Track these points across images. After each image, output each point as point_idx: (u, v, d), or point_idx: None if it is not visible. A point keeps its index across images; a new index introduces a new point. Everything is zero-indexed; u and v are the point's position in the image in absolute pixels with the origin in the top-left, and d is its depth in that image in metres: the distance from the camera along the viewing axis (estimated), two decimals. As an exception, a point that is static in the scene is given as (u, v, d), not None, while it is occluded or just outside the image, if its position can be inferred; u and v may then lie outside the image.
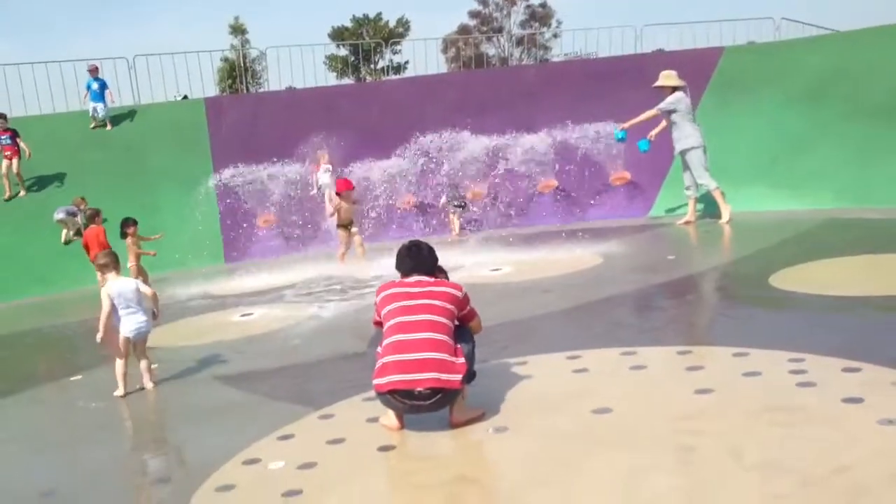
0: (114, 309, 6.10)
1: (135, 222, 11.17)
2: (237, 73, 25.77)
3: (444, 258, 10.25)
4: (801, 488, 3.17)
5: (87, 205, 14.43)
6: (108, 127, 17.09)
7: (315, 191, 15.11)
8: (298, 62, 45.83)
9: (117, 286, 6.10)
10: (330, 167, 15.09)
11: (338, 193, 11.51)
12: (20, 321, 10.73)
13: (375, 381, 4.38)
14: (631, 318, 6.75)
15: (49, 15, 74.02)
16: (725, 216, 11.46)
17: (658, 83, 11.88)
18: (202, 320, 9.09)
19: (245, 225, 14.91)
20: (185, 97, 20.03)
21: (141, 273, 11.12)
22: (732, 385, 4.52)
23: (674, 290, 7.75)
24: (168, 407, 5.79)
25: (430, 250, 4.78)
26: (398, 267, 4.76)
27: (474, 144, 14.92)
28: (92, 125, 17.03)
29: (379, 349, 4.47)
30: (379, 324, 4.64)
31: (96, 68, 17.43)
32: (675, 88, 11.75)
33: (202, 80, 40.69)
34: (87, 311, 8.88)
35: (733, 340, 5.39)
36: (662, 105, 11.72)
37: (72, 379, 6.86)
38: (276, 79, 26.11)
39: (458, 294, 4.57)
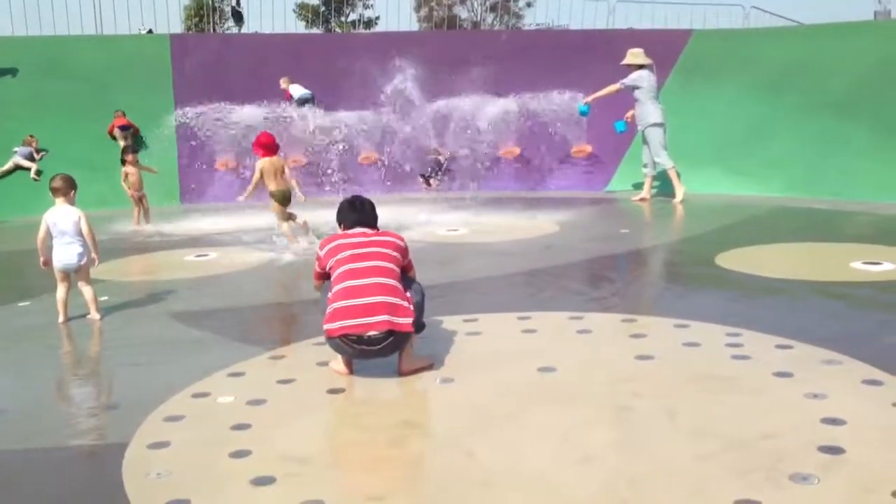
0: (49, 236, 6.06)
1: (134, 150, 11.10)
2: (204, 12, 25.25)
3: (404, 215, 10.43)
4: (727, 450, 3.35)
5: (38, 143, 14.21)
6: None
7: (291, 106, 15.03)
8: (268, 7, 44.77)
9: (54, 214, 6.05)
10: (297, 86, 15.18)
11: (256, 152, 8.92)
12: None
13: (326, 326, 4.44)
14: (581, 286, 6.93)
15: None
16: (679, 196, 11.72)
17: (625, 61, 12.02)
18: (155, 257, 9.06)
19: (203, 166, 14.77)
20: (150, 31, 19.59)
21: (141, 203, 11.15)
22: (671, 353, 4.72)
23: (624, 262, 7.99)
24: (116, 338, 5.76)
25: (372, 205, 4.89)
26: (340, 220, 4.85)
27: (439, 105, 14.95)
28: None
29: (329, 295, 4.54)
30: (321, 276, 4.73)
31: None
32: (640, 66, 11.90)
33: (168, 15, 39.86)
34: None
35: (676, 312, 5.59)
36: (626, 81, 11.88)
37: (20, 304, 6.82)
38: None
39: (401, 243, 4.71)
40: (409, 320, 4.41)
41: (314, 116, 14.97)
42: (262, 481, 3.27)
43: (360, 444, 3.73)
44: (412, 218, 10.63)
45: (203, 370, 4.74)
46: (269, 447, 3.62)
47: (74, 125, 14.54)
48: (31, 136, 14.33)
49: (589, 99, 12.39)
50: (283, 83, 15.63)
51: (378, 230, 4.80)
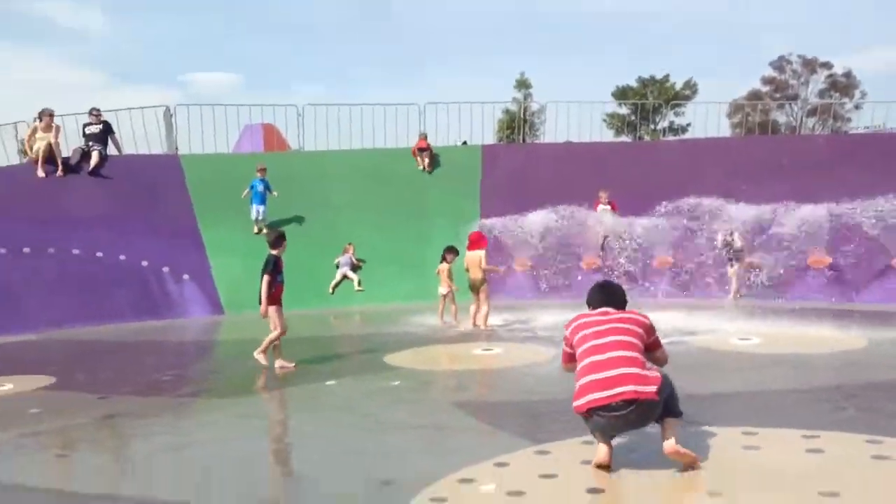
0: None
1: (454, 251, 12.00)
2: (516, 124, 26.94)
3: (696, 321, 10.12)
4: None
5: (354, 250, 15.82)
6: (264, 231, 15.29)
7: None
8: (576, 117, 46.32)
9: None
10: (608, 207, 15.40)
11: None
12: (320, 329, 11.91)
13: (575, 404, 4.56)
14: (887, 406, 6.20)
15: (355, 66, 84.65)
16: None
17: None
18: (448, 349, 9.63)
19: (502, 266, 15.45)
20: (465, 143, 21.21)
21: (445, 299, 12.01)
22: None
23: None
24: (404, 421, 6.21)
25: (622, 290, 5.05)
26: (588, 301, 5.02)
27: (744, 211, 14.39)
28: (255, 230, 16.28)
29: (576, 372, 4.66)
30: (569, 357, 4.85)
31: (264, 169, 16.51)
32: None
33: (483, 128, 43.04)
34: (356, 325, 9.79)
35: None
36: None
37: (327, 383, 7.61)
38: (552, 131, 26.87)
39: (646, 321, 4.77)
40: (654, 388, 4.39)
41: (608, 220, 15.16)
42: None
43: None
44: (704, 324, 10.28)
45: (472, 457, 4.94)
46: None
47: (394, 223, 16.03)
48: (350, 244, 15.98)
49: None
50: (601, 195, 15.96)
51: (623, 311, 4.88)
